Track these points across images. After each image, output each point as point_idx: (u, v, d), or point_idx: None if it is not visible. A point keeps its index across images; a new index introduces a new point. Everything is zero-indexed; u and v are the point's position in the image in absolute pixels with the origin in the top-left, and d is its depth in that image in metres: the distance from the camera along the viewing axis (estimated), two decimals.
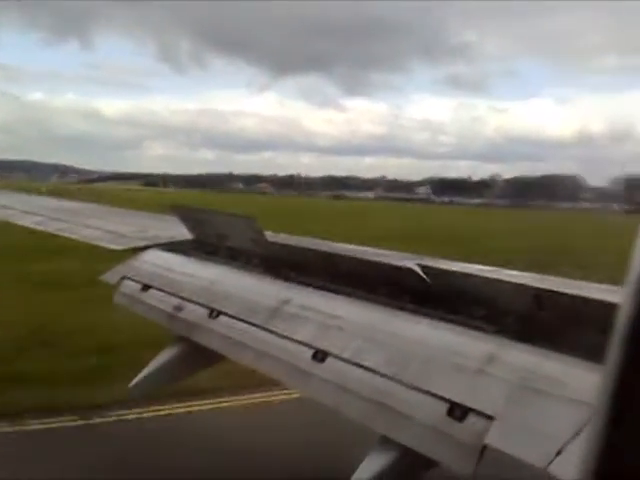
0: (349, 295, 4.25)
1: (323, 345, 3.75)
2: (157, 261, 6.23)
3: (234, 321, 4.54)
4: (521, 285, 3.35)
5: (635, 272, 0.99)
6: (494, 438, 2.67)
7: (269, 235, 5.38)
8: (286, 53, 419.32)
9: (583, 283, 3.75)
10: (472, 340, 3.28)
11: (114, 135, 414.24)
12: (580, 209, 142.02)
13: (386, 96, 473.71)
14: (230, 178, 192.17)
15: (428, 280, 3.76)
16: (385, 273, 4.14)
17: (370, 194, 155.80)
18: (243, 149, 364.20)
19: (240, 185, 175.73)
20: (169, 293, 5.45)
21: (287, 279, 4.84)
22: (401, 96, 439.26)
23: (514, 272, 4.21)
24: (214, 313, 4.76)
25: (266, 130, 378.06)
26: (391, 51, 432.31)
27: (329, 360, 3.64)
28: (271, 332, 4.15)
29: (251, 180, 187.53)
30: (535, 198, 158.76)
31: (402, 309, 3.84)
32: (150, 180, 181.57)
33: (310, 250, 5.02)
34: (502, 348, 3.10)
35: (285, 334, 4.05)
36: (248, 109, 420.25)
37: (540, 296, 3.16)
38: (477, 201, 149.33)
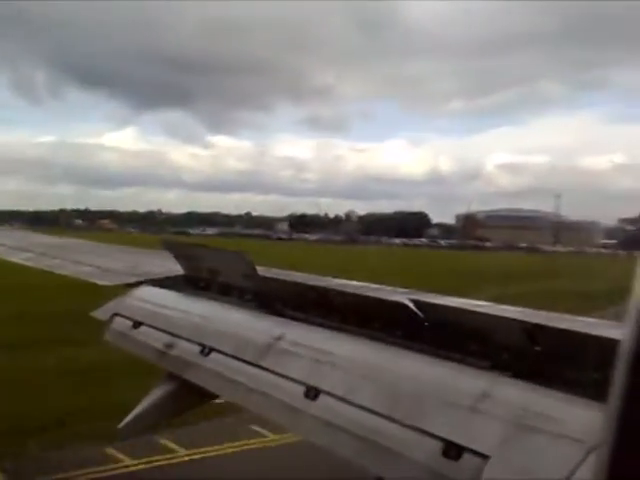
0: (342, 331, 4.19)
1: (315, 382, 3.67)
2: (148, 297, 6.17)
3: (226, 358, 4.47)
4: (515, 320, 3.30)
5: (635, 307, 1.04)
6: (489, 477, 2.60)
7: (261, 270, 5.36)
8: (148, 88, 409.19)
9: (578, 318, 3.73)
10: (466, 376, 3.22)
11: None
12: (419, 244, 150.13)
13: (251, 134, 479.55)
14: (83, 214, 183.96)
15: (421, 315, 3.71)
16: (378, 308, 4.12)
17: (211, 230, 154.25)
18: (104, 184, 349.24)
19: (79, 221, 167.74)
20: (160, 330, 5.36)
21: (279, 315, 4.80)
22: (266, 134, 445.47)
23: (508, 307, 4.18)
24: (206, 350, 4.68)
25: (129, 165, 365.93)
26: (254, 90, 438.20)
27: (321, 397, 3.57)
28: (263, 369, 4.08)
29: (102, 216, 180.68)
30: (383, 234, 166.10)
31: (395, 345, 3.80)
32: None
33: (302, 285, 5.00)
34: (496, 384, 3.04)
35: (277, 371, 3.98)
36: (109, 143, 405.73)
37: (534, 331, 3.12)
38: (315, 237, 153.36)
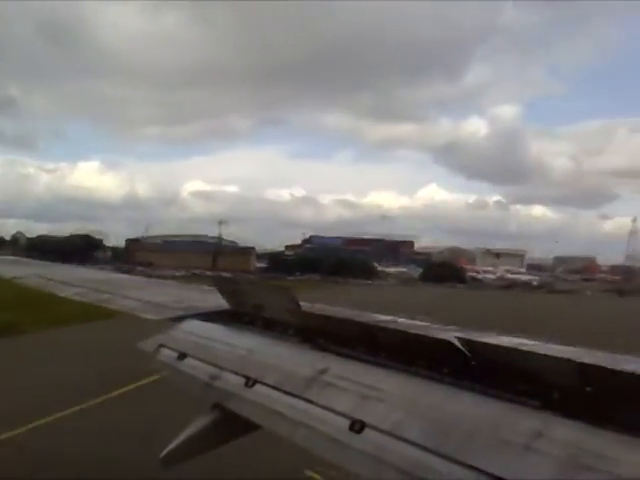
0: (386, 366, 4.16)
1: (360, 416, 3.65)
2: (194, 330, 6.24)
3: (270, 390, 4.47)
4: (566, 359, 3.21)
5: None
6: None
7: (305, 305, 5.35)
8: None
9: (632, 358, 3.61)
10: (517, 414, 3.18)
11: None
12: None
13: None
14: None
15: (467, 353, 3.66)
16: (422, 345, 4.07)
17: None
18: None
19: None
20: (205, 362, 5.41)
21: (323, 349, 4.78)
22: None
23: (558, 346, 4.08)
24: (250, 382, 4.68)
25: None
26: None
27: (366, 431, 3.54)
28: (307, 401, 4.08)
29: None
30: (53, 257, 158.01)
31: (441, 382, 3.75)
32: None
33: (346, 320, 5.01)
34: (548, 423, 2.99)
35: (321, 403, 3.97)
36: None
37: (586, 371, 3.03)
38: None
